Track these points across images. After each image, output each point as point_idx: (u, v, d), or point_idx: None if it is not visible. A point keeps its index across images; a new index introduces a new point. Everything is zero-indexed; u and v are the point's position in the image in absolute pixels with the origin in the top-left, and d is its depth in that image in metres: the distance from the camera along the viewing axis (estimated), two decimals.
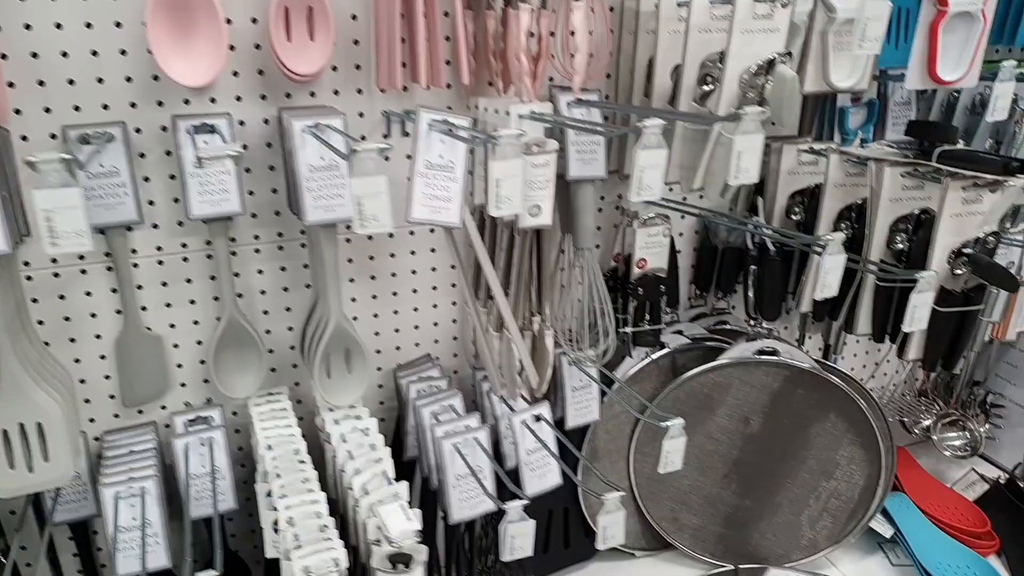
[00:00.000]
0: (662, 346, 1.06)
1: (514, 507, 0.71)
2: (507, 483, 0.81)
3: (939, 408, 1.38)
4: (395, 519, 0.66)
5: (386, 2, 0.77)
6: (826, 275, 0.73)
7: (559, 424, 1.04)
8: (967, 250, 0.80)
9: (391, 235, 0.95)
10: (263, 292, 0.91)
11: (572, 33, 0.80)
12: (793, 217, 1.02)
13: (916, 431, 1.37)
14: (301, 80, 0.79)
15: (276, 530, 0.74)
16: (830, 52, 0.78)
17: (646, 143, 0.68)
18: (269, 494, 0.77)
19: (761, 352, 1.03)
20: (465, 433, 0.83)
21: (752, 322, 1.05)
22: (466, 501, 0.82)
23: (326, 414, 0.88)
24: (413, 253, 0.97)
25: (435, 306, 1.00)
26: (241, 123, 0.84)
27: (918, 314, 0.78)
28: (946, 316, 0.83)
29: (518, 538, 0.72)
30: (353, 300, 0.96)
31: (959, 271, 0.81)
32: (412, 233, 0.95)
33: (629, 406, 1.00)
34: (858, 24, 0.61)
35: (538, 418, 0.91)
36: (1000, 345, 1.35)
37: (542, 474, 0.92)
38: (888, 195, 0.86)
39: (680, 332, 1.10)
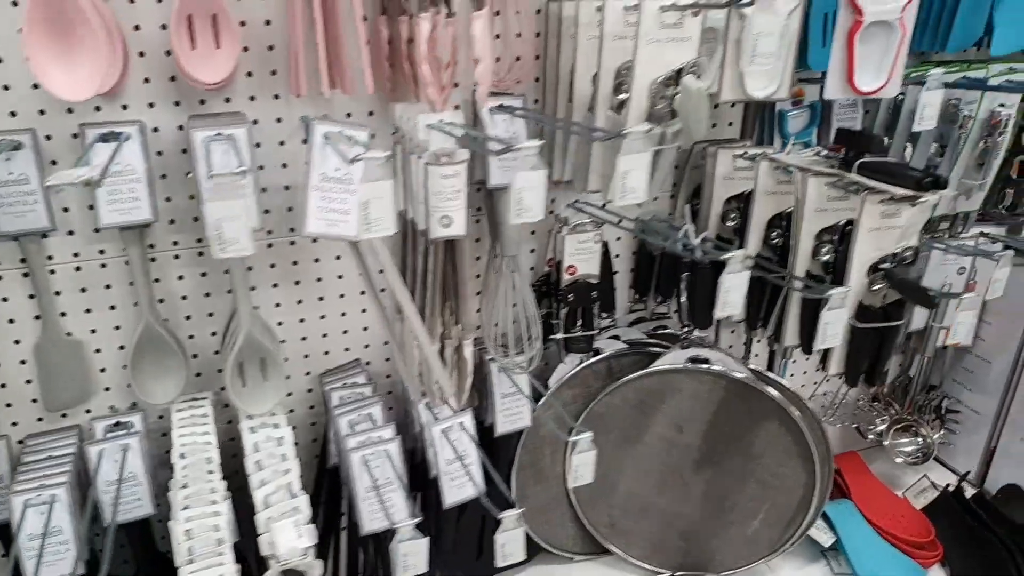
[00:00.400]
0: (596, 352, 1.06)
1: (406, 525, 0.71)
2: (396, 502, 0.80)
3: (894, 413, 1.37)
4: (285, 536, 0.66)
5: (290, 8, 0.76)
6: (727, 293, 0.72)
7: (490, 430, 1.05)
8: (884, 265, 0.79)
9: (315, 240, 0.94)
10: (184, 298, 0.91)
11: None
12: (729, 223, 1.01)
13: (871, 436, 1.36)
14: (209, 88, 0.79)
15: None
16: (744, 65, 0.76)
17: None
18: None
19: (694, 360, 1.02)
20: (377, 445, 0.83)
21: (686, 329, 1.04)
22: (375, 514, 0.82)
23: (243, 422, 0.88)
24: (339, 258, 0.96)
25: (364, 311, 1.00)
26: (155, 129, 0.83)
27: (830, 331, 0.77)
28: (865, 331, 0.82)
29: (410, 556, 0.72)
30: (277, 305, 0.95)
31: (877, 286, 0.80)
32: None
33: (546, 417, 0.99)
34: (747, 40, 0.59)
35: (461, 427, 0.91)
36: (955, 350, 1.33)
37: (462, 484, 0.91)
38: (813, 205, 0.85)
39: (617, 337, 1.10)
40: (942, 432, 1.36)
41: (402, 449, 0.84)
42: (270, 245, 0.92)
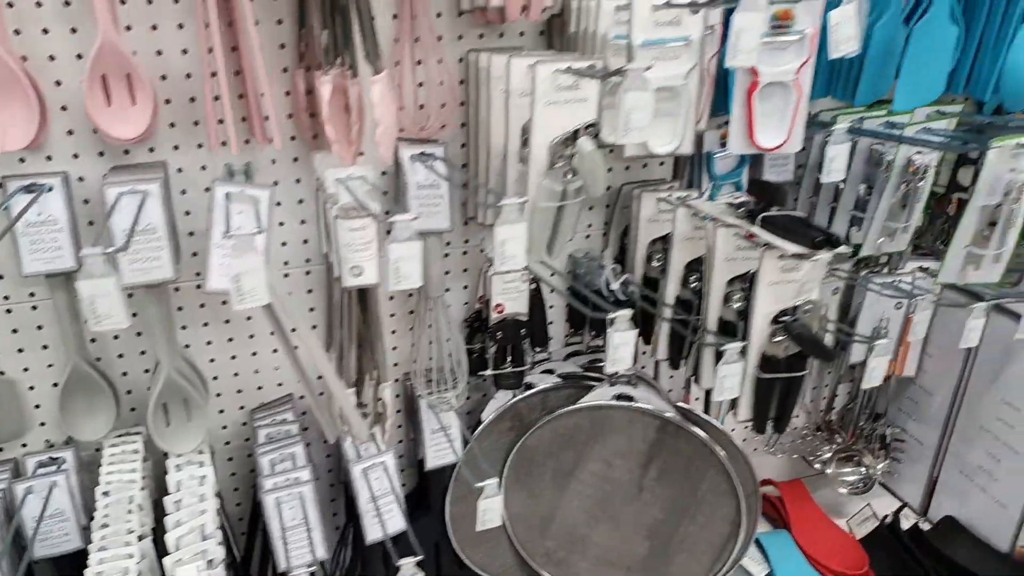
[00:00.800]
0: (527, 387, 1.08)
1: (300, 570, 0.73)
2: (311, 541, 0.83)
3: (840, 442, 1.38)
4: None
5: (203, 63, 0.78)
6: (615, 350, 0.74)
7: (420, 464, 1.07)
8: (784, 318, 0.80)
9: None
10: (116, 337, 0.94)
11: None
12: (655, 263, 1.03)
13: (817, 465, 1.38)
14: (127, 143, 0.81)
15: None
16: None
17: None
18: None
19: (619, 397, 1.04)
20: (292, 487, 0.85)
21: None
22: (292, 552, 0.85)
23: (170, 460, 0.90)
24: (290, 294, 0.98)
25: (296, 347, 1.02)
26: (80, 179, 0.86)
27: (727, 384, 0.78)
28: (769, 381, 0.84)
29: None
30: (208, 343, 0.98)
31: (779, 338, 0.82)
32: (287, 275, 0.97)
33: (463, 462, 1.01)
34: (621, 113, 0.61)
35: (383, 466, 0.93)
36: (899, 380, 1.34)
37: (383, 521, 0.94)
38: (723, 254, 0.87)
39: (551, 371, 1.11)
40: (888, 461, 1.38)
41: (317, 492, 0.86)
42: (199, 286, 0.95)
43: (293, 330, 0.85)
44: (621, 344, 0.73)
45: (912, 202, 1.00)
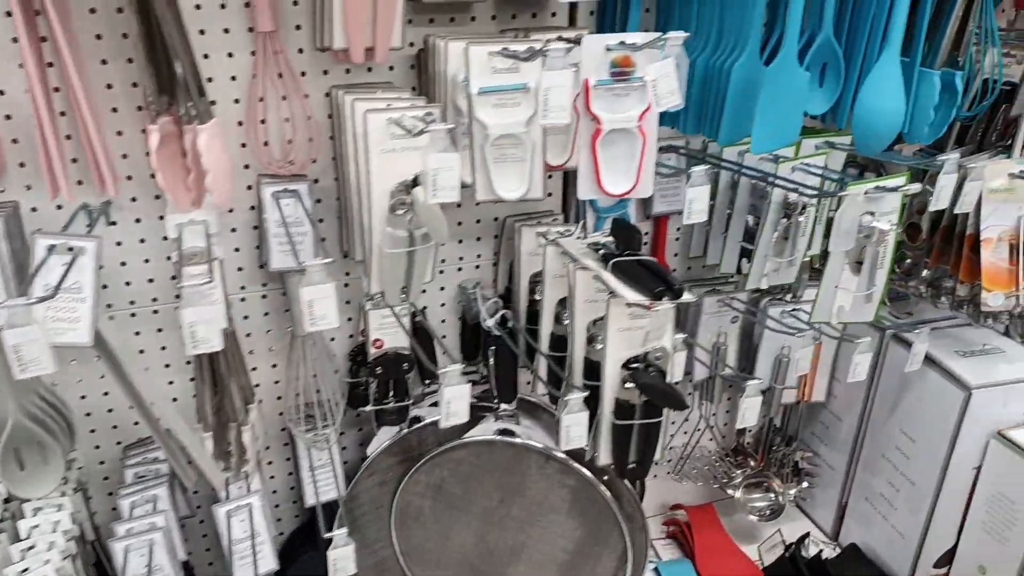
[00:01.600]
0: (415, 421, 1.06)
1: None
2: None
3: (753, 466, 1.38)
4: None
5: (35, 110, 0.76)
6: (448, 405, 0.73)
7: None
8: (634, 365, 0.79)
9: (111, 317, 0.95)
10: None
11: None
12: (536, 297, 1.01)
13: (729, 491, 1.37)
14: None
15: None
16: (490, 165, 0.76)
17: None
18: None
19: (502, 432, 1.03)
20: (144, 534, 0.84)
21: (495, 400, 1.05)
22: None
23: (27, 505, 0.89)
24: (138, 334, 0.97)
25: (171, 383, 1.01)
26: None
27: (573, 433, 0.77)
28: (625, 427, 0.82)
29: None
30: (79, 381, 0.97)
31: (630, 384, 0.80)
32: (133, 315, 0.96)
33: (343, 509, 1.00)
34: (428, 178, 0.60)
35: (248, 508, 0.92)
36: (810, 405, 1.33)
37: (255, 562, 0.93)
38: (582, 296, 0.85)
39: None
40: (800, 487, 1.37)
41: (169, 540, 0.85)
42: None
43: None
44: (453, 399, 0.72)
45: (794, 236, 0.98)
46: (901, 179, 0.84)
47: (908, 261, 1.13)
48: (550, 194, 1.08)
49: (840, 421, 1.30)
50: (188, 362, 0.98)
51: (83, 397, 0.98)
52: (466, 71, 0.72)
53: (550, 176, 1.07)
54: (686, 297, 0.74)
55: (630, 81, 0.72)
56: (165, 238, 0.91)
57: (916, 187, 0.83)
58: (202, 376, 0.85)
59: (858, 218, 0.84)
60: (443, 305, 1.11)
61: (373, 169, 0.73)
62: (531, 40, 0.74)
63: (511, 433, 1.02)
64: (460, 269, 1.09)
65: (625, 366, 0.80)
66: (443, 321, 1.12)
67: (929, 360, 1.10)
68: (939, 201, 0.89)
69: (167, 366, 0.99)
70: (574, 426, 0.78)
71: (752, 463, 1.38)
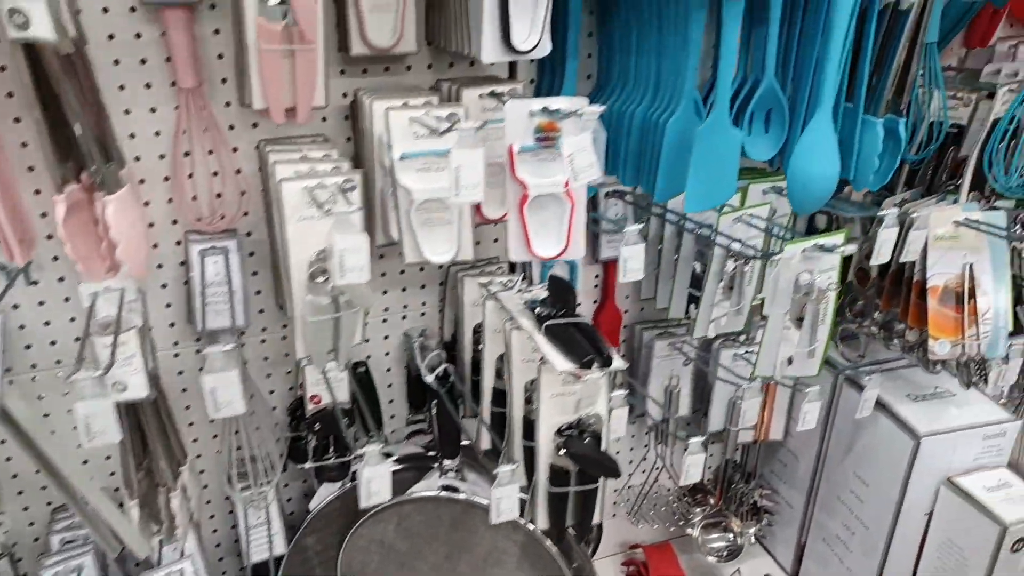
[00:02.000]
0: (353, 477, 1.04)
1: None
2: None
3: (712, 505, 1.36)
4: None
5: None
6: (367, 484, 0.70)
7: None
8: (568, 431, 0.77)
9: (34, 378, 0.92)
10: None
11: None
12: (481, 347, 0.99)
13: (687, 531, 1.35)
14: None
15: None
16: (416, 229, 0.74)
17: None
18: None
19: (446, 488, 1.01)
20: None
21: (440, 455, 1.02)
22: None
23: None
24: (66, 394, 0.94)
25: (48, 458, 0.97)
26: None
27: (504, 506, 0.75)
28: (561, 493, 0.80)
29: None
30: (3, 442, 0.93)
31: (563, 451, 0.78)
32: (59, 375, 0.93)
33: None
34: (335, 253, 0.57)
35: (179, 572, 0.89)
36: (767, 443, 1.32)
37: None
38: (519, 356, 0.83)
39: (389, 455, 1.07)
40: (759, 525, 1.35)
41: None
42: None
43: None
44: (373, 479, 0.70)
45: (740, 285, 0.97)
46: (839, 238, 0.83)
47: (860, 303, 1.12)
48: (496, 239, 1.06)
49: (798, 460, 1.29)
50: None
51: (8, 459, 0.94)
52: (387, 136, 0.70)
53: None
54: (617, 365, 0.72)
55: (556, 146, 0.70)
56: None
57: (852, 248, 0.82)
58: (126, 441, 0.82)
59: (794, 277, 0.83)
60: (387, 354, 1.08)
61: (290, 238, 0.71)
62: (454, 106, 0.72)
63: (455, 489, 1.00)
64: (405, 317, 1.07)
65: (559, 432, 0.78)
66: (389, 370, 1.09)
67: (880, 405, 1.09)
68: (880, 256, 0.88)
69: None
70: (505, 499, 0.75)
71: (712, 500, 1.37)
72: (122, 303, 0.73)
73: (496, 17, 0.70)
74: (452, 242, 0.76)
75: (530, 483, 0.84)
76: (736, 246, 0.86)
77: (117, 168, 0.72)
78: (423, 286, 1.06)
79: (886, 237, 0.86)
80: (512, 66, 0.95)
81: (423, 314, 1.08)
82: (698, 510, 1.35)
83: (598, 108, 0.67)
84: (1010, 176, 0.92)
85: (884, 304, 1.09)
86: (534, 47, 0.71)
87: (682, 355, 1.15)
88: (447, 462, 1.01)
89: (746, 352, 1.14)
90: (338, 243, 0.58)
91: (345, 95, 0.90)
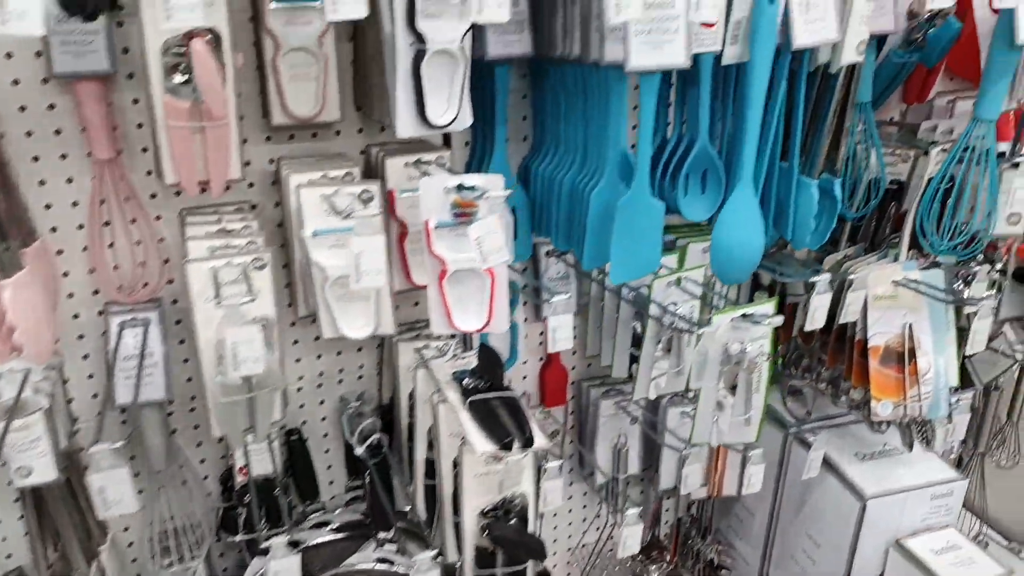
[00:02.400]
0: (294, 545, 1.00)
1: None
2: None
3: (670, 560, 1.33)
4: None
5: None
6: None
7: None
8: (491, 513, 0.75)
9: None
10: None
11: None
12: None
13: None
14: None
15: None
16: (332, 304, 0.72)
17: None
18: None
19: (381, 560, 0.97)
20: None
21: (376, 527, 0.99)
22: None
23: None
24: None
25: (21, 518, 0.94)
26: None
27: None
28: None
29: None
30: None
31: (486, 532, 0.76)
32: None
33: None
34: (228, 346, 0.55)
35: None
36: (722, 500, 1.30)
37: None
38: (447, 430, 0.81)
39: (326, 523, 1.04)
40: None
41: None
42: None
43: None
44: (280, 571, 0.67)
45: (679, 348, 0.95)
46: (769, 307, 0.81)
47: (805, 360, 1.11)
48: None
49: (753, 516, 1.27)
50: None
51: None
52: (299, 213, 0.69)
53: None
54: (539, 444, 0.70)
55: (472, 222, 0.69)
56: None
57: (779, 319, 0.81)
58: (33, 527, 0.79)
59: (723, 348, 0.81)
60: (324, 419, 1.06)
61: (198, 320, 0.68)
62: (367, 183, 0.70)
63: (390, 562, 0.97)
64: (341, 381, 1.04)
65: (483, 513, 0.76)
66: (326, 435, 1.06)
67: (828, 464, 1.07)
68: (813, 321, 0.87)
69: None
70: None
71: (667, 556, 1.34)
72: (24, 385, 0.70)
73: (411, 91, 0.69)
74: (370, 316, 0.74)
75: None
76: (667, 319, 0.84)
77: (19, 246, 0.70)
78: (360, 349, 1.04)
79: (818, 304, 0.86)
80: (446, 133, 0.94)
81: (360, 377, 1.05)
82: (653, 568, 1.32)
83: (503, 192, 0.66)
84: (942, 238, 0.91)
85: (830, 361, 1.08)
86: (451, 121, 0.70)
87: (628, 415, 1.13)
88: (382, 534, 0.98)
89: (692, 409, 1.13)
90: (229, 336, 0.56)
91: (272, 160, 0.89)
